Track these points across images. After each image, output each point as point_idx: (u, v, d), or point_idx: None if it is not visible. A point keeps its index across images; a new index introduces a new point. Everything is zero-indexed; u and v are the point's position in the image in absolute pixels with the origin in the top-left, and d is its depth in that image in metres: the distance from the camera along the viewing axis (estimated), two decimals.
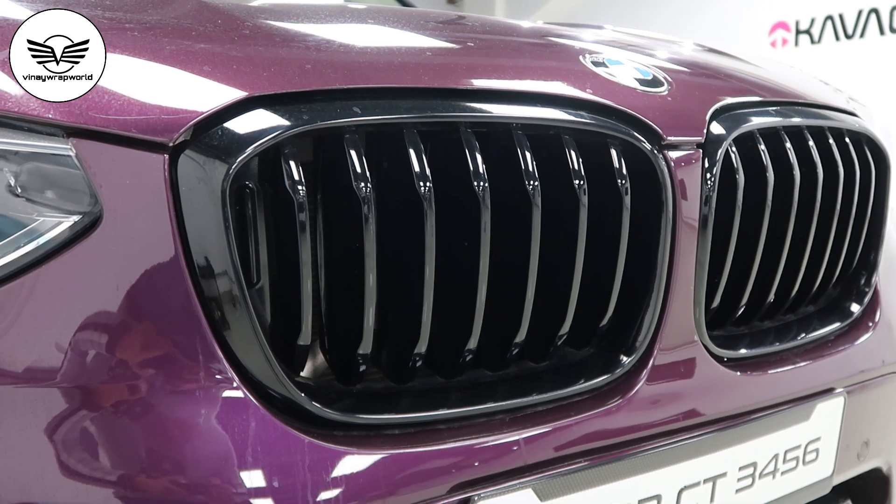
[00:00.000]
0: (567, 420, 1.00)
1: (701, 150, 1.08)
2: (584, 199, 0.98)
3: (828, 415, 1.24)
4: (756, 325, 1.30)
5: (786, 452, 1.20)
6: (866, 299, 1.38)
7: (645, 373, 1.06)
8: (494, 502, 0.92)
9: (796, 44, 6.72)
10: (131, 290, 0.82)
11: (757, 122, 1.16)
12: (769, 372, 1.19)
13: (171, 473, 0.81)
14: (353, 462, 0.87)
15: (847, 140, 1.31)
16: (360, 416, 0.89)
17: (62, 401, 0.81)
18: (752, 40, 6.78)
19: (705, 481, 1.10)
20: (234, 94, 0.85)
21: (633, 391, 1.05)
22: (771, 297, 1.24)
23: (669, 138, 1.05)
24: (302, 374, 0.99)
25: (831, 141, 1.26)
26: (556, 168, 0.98)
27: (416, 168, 0.89)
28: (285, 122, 0.84)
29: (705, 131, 1.09)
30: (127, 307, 0.82)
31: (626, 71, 1.11)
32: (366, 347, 0.91)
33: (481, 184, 0.92)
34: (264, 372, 0.85)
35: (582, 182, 0.98)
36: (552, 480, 0.96)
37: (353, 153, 0.87)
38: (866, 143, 1.35)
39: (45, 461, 0.79)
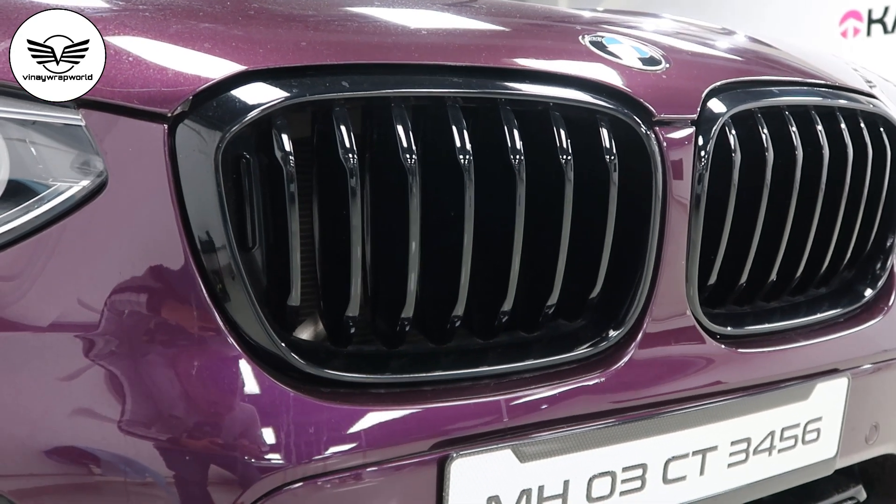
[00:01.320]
0: (551, 387, 1.03)
1: (694, 128, 1.10)
2: (570, 174, 1.01)
3: (829, 396, 1.25)
4: (761, 305, 1.31)
5: (783, 430, 1.21)
6: (880, 283, 1.37)
7: (633, 346, 1.09)
8: (471, 461, 0.96)
9: (868, 33, 6.53)
10: (133, 251, 0.89)
11: (757, 101, 1.17)
12: (765, 350, 1.20)
13: (163, 419, 0.87)
14: (336, 416, 0.92)
15: (861, 121, 1.30)
16: (343, 373, 0.94)
17: (69, 349, 0.88)
18: (821, 30, 6.61)
19: (694, 453, 1.12)
20: (230, 67, 0.91)
21: (620, 363, 1.08)
22: (773, 277, 1.24)
23: (661, 115, 1.07)
24: (304, 337, 1.05)
25: (842, 123, 1.26)
26: (552, 144, 1.02)
27: (403, 142, 0.94)
28: (277, 95, 0.89)
29: (699, 109, 1.11)
30: (129, 266, 0.89)
31: (623, 50, 1.13)
32: (353, 311, 0.96)
33: (466, 157, 0.96)
34: (254, 329, 0.91)
35: (568, 157, 1.01)
36: (533, 444, 1.00)
37: (341, 126, 0.92)
38: (883, 126, 1.34)
39: (52, 402, 0.87)
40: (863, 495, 1.44)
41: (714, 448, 1.14)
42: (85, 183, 0.89)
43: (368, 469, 0.93)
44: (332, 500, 0.92)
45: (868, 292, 1.36)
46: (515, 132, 0.99)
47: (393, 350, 1.03)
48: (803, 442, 1.24)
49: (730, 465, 1.16)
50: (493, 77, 1.00)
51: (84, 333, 0.88)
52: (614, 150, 1.03)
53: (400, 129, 0.94)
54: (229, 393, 0.89)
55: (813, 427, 1.24)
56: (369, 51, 0.99)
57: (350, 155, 0.91)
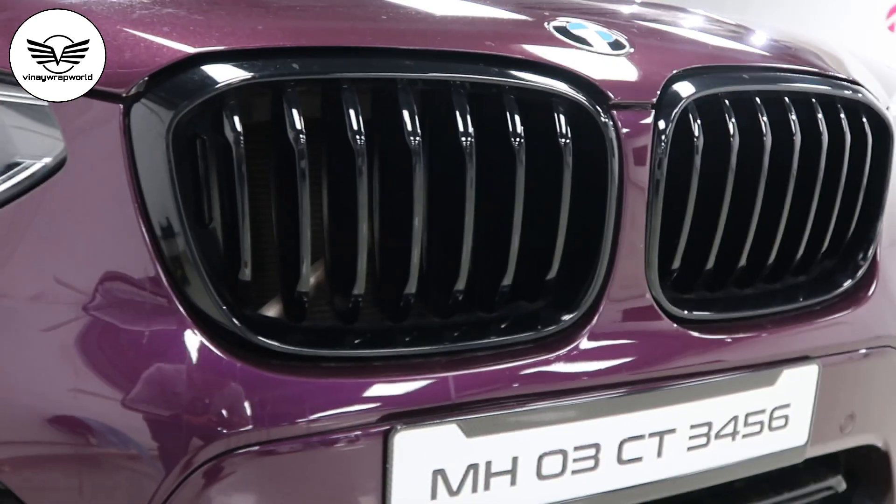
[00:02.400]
0: (502, 366, 1.06)
1: (654, 113, 1.11)
2: (522, 157, 1.03)
3: (798, 383, 1.25)
4: (735, 292, 1.31)
5: (747, 416, 1.21)
6: (859, 273, 1.36)
7: (589, 328, 1.10)
8: (415, 434, 0.99)
9: None
10: (91, 224, 0.94)
11: (724, 86, 1.17)
12: (728, 335, 1.21)
13: (112, 387, 0.92)
14: (283, 387, 0.95)
15: (840, 109, 1.29)
16: (286, 346, 0.97)
17: (27, 318, 0.93)
18: (868, 24, 6.46)
19: (651, 435, 1.13)
20: (184, 50, 0.94)
21: (574, 344, 1.09)
22: (742, 263, 1.24)
23: (618, 99, 1.08)
24: (272, 313, 1.09)
25: (819, 111, 1.26)
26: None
27: (354, 124, 0.97)
28: (227, 76, 0.93)
29: (659, 93, 1.11)
30: (86, 240, 0.94)
31: (587, 35, 1.14)
32: (303, 286, 0.99)
33: (416, 139, 0.98)
34: (204, 302, 0.94)
35: (520, 140, 1.03)
36: (479, 420, 1.02)
37: (292, 108, 0.95)
38: (865, 113, 1.33)
39: (10, 368, 0.92)
40: (842, 486, 1.43)
41: (672, 431, 1.15)
42: (47, 160, 0.94)
43: (314, 439, 0.96)
44: (277, 468, 0.96)
45: (845, 281, 1.35)
46: (468, 116, 1.01)
47: (348, 326, 1.06)
48: (770, 428, 1.24)
49: (690, 449, 1.17)
50: (446, 61, 1.03)
51: (42, 304, 0.93)
52: (568, 134, 1.05)
53: (352, 112, 0.97)
54: (178, 362, 0.93)
55: (780, 414, 1.24)
56: (324, 34, 1.02)
57: (300, 136, 0.94)
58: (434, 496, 1.01)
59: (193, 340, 0.93)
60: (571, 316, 1.10)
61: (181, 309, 0.94)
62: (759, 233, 1.25)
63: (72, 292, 0.93)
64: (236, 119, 0.93)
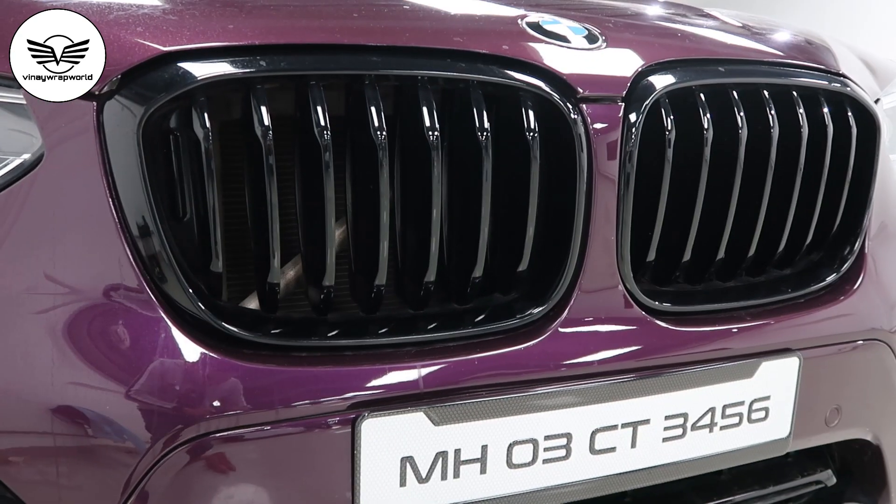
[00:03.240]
0: (472, 357, 1.07)
1: (623, 106, 1.12)
2: (489, 151, 1.05)
3: (778, 375, 1.24)
4: (716, 285, 1.31)
5: (724, 407, 1.21)
6: (845, 266, 1.36)
7: (560, 319, 1.12)
8: (382, 421, 1.01)
9: None
10: (68, 216, 0.97)
11: (697, 79, 1.18)
12: (704, 327, 1.21)
13: (85, 374, 0.95)
14: (251, 375, 0.98)
15: (823, 101, 1.29)
16: (252, 335, 0.99)
17: (8, 305, 0.96)
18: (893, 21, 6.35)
19: (623, 426, 1.14)
20: (155, 48, 0.97)
21: (545, 335, 1.11)
22: (721, 255, 1.25)
23: (586, 93, 1.09)
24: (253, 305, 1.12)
25: (800, 105, 1.25)
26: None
27: (321, 120, 0.99)
28: (196, 74, 0.96)
29: (629, 86, 1.12)
30: (64, 231, 0.97)
31: (560, 30, 1.16)
32: (274, 278, 1.02)
33: (381, 134, 1.00)
34: (175, 291, 0.97)
35: (486, 134, 1.04)
36: (447, 408, 1.04)
37: (260, 106, 0.98)
38: (851, 106, 1.32)
39: None
40: (832, 480, 1.43)
41: (646, 421, 1.16)
42: (27, 156, 0.98)
43: (284, 426, 0.99)
44: (248, 453, 0.98)
45: (831, 276, 1.34)
46: (434, 111, 1.03)
47: (322, 318, 1.09)
48: (750, 420, 1.24)
49: (665, 440, 1.18)
50: (414, 57, 1.05)
51: (20, 293, 0.96)
52: (535, 128, 1.07)
53: (319, 109, 0.99)
54: (149, 351, 0.96)
55: (760, 406, 1.24)
56: (294, 32, 1.04)
57: (267, 132, 0.97)
58: (403, 483, 1.04)
59: (164, 329, 0.96)
60: (542, 308, 1.11)
61: (153, 299, 0.97)
62: (741, 226, 1.25)
63: (51, 283, 0.97)
64: (205, 115, 0.96)
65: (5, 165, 0.98)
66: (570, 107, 1.08)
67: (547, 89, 1.07)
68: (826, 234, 1.36)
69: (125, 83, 0.96)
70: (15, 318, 0.97)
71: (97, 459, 0.96)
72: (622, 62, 1.15)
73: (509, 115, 1.08)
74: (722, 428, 1.22)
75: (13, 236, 0.97)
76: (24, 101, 0.97)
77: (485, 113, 1.05)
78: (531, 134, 1.06)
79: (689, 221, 1.20)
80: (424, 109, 1.03)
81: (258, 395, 0.98)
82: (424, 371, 1.05)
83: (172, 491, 0.96)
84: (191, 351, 0.97)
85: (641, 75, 1.15)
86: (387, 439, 1.02)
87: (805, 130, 1.25)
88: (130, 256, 0.97)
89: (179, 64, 0.97)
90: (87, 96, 0.96)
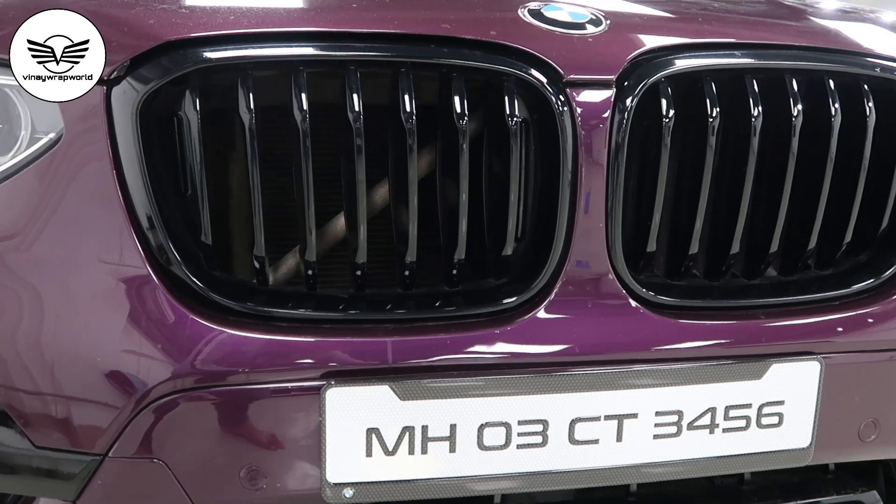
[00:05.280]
0: (445, 335, 1.10)
1: (615, 91, 1.10)
2: (467, 137, 1.07)
3: (793, 379, 1.17)
4: (736, 280, 1.25)
5: (727, 408, 1.16)
6: (889, 271, 1.25)
7: (542, 305, 1.12)
8: (347, 391, 1.05)
9: None
10: (78, 191, 1.09)
11: (702, 63, 1.14)
12: (702, 322, 1.16)
13: (80, 334, 1.06)
14: (230, 340, 1.06)
15: (867, 90, 1.20)
16: (230, 301, 1.07)
17: (26, 266, 1.10)
18: None
19: (607, 417, 1.12)
20: (159, 37, 1.07)
21: (524, 320, 1.11)
22: (735, 249, 1.19)
23: (571, 76, 1.08)
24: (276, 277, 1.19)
25: (833, 92, 1.18)
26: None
27: (303, 103, 1.05)
28: (189, 61, 1.05)
29: (621, 70, 1.10)
30: (76, 203, 1.09)
31: (558, 16, 1.15)
32: (258, 251, 1.09)
33: (358, 120, 1.05)
34: (167, 260, 1.07)
35: (464, 121, 1.06)
36: (414, 384, 1.07)
37: (245, 89, 1.05)
38: None
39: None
40: (876, 501, 1.32)
41: (633, 415, 1.13)
42: (52, 135, 1.11)
43: (257, 388, 1.06)
44: (221, 413, 1.06)
45: (869, 280, 1.24)
46: (408, 96, 1.06)
47: (311, 292, 1.15)
48: (759, 425, 1.18)
49: (657, 437, 1.14)
50: (397, 43, 1.09)
51: (32, 254, 1.09)
52: (516, 112, 1.07)
53: (301, 93, 1.05)
54: (141, 313, 1.06)
55: (772, 410, 1.18)
56: (287, 19, 1.11)
57: (249, 115, 1.04)
58: (369, 453, 1.08)
59: (156, 294, 1.06)
60: (525, 292, 1.12)
61: (148, 267, 1.06)
62: (770, 221, 1.20)
63: (62, 248, 1.09)
64: (197, 99, 1.05)
65: (38, 141, 1.11)
66: (555, 91, 1.08)
67: (532, 73, 1.07)
68: (871, 235, 1.26)
69: (132, 69, 1.07)
70: (28, 275, 1.09)
71: (84, 407, 1.06)
72: (618, 45, 1.13)
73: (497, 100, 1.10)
74: (725, 430, 1.16)
75: (37, 201, 1.10)
76: None
77: (465, 100, 1.07)
78: (512, 119, 1.07)
79: (710, 214, 1.17)
80: (405, 97, 1.06)
81: (236, 357, 1.05)
82: (394, 346, 1.08)
83: (151, 435, 1.05)
84: (179, 315, 1.06)
85: (639, 58, 1.12)
86: (352, 409, 1.06)
87: (836, 120, 1.17)
88: (129, 224, 1.06)
89: (179, 51, 1.06)
90: (99, 81, 1.07)
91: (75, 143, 1.09)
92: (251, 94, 1.05)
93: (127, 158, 1.07)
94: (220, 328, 1.06)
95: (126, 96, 1.06)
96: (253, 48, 1.07)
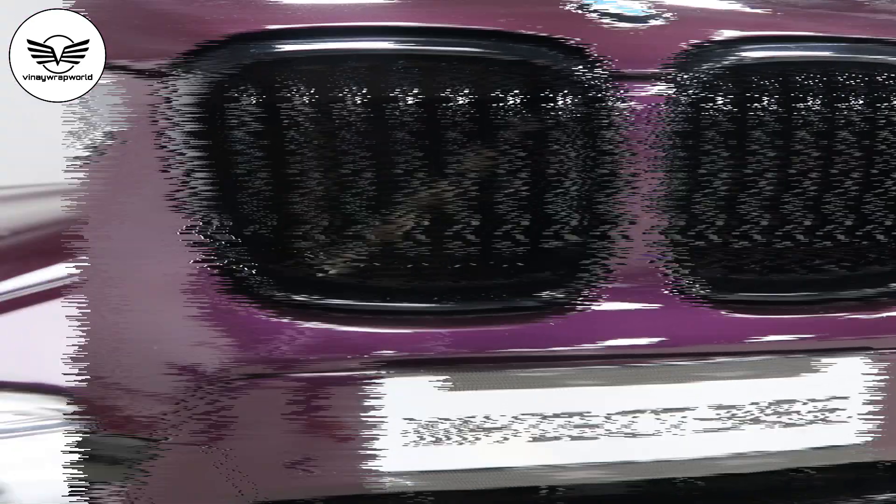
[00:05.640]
0: (495, 328, 1.10)
1: (660, 84, 1.09)
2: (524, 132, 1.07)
3: (848, 375, 1.15)
4: (802, 275, 1.23)
5: (777, 403, 1.14)
6: None
7: (587, 299, 1.11)
8: (402, 381, 1.07)
9: None
10: (141, 182, 1.11)
11: (757, 55, 1.13)
12: (766, 316, 1.15)
13: (148, 319, 1.09)
14: (288, 331, 1.07)
15: None
16: (290, 295, 1.09)
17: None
18: None
19: (654, 412, 1.11)
20: (206, 35, 1.09)
21: (573, 314, 1.10)
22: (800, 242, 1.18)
23: (617, 69, 1.08)
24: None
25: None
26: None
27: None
28: (240, 57, 1.07)
29: (670, 63, 1.09)
30: (136, 193, 1.12)
31: (608, 8, 1.15)
32: (317, 243, 1.11)
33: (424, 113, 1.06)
34: (231, 252, 1.08)
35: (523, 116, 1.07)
36: (469, 375, 1.08)
37: (292, 86, 1.06)
38: None
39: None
40: None
41: (681, 409, 1.12)
42: (113, 129, 1.14)
43: (313, 376, 1.08)
44: (277, 401, 1.08)
45: None
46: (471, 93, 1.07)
47: (369, 283, 1.15)
48: (824, 420, 1.15)
49: (704, 431, 1.13)
50: (438, 36, 1.09)
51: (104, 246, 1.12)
52: (558, 106, 1.07)
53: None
54: (204, 305, 1.08)
55: (835, 406, 1.16)
56: (332, 13, 1.12)
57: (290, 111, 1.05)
58: (429, 442, 1.08)
59: (218, 285, 1.07)
60: (584, 286, 1.11)
61: (211, 259, 1.07)
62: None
63: (130, 241, 1.11)
64: (246, 94, 1.07)
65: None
66: (599, 83, 1.07)
67: (572, 66, 1.07)
68: None
69: (182, 64, 1.08)
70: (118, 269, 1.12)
71: (150, 393, 1.09)
72: (669, 38, 1.12)
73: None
74: (787, 425, 1.15)
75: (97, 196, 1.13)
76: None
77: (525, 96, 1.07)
78: (552, 112, 1.07)
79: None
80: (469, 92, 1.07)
81: (295, 347, 1.06)
82: (448, 337, 1.09)
83: (211, 423, 1.07)
84: (239, 305, 1.08)
85: (689, 52, 1.11)
86: (404, 399, 1.07)
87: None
88: (196, 222, 1.08)
89: (232, 46, 1.08)
90: (156, 74, 1.09)
91: (135, 135, 1.11)
92: (296, 90, 1.06)
93: (179, 148, 1.08)
94: (279, 319, 1.08)
95: (179, 90, 1.08)
96: (298, 42, 1.08)
